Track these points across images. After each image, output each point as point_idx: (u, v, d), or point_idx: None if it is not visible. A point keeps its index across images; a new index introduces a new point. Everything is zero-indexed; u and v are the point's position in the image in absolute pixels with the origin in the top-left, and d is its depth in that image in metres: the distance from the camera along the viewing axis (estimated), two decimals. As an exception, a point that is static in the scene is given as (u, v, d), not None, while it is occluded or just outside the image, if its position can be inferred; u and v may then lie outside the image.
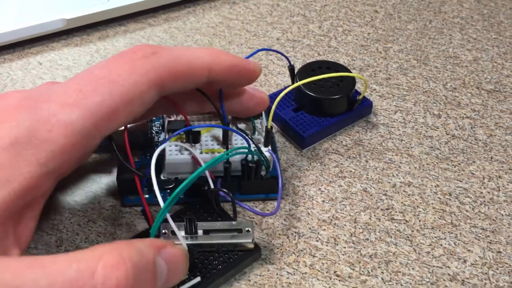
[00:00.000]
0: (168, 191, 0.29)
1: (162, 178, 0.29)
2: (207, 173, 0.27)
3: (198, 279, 0.24)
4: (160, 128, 0.32)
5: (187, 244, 0.24)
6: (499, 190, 0.30)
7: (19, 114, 0.21)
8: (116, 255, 0.19)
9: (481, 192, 0.30)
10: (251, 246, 0.25)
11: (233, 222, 0.26)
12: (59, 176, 0.22)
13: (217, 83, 0.26)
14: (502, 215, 0.29)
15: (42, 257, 0.19)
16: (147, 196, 0.29)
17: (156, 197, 0.23)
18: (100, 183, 0.30)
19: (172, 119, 0.30)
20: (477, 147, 0.33)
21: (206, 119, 0.30)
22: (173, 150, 0.28)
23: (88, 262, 0.19)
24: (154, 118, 0.32)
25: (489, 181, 0.31)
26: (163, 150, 0.29)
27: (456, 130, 0.34)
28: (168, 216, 0.23)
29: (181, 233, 0.24)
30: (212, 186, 0.27)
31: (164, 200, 0.23)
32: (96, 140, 0.22)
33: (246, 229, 0.25)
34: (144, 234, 0.26)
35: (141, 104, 0.23)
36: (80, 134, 0.21)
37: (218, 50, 0.26)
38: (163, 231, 0.25)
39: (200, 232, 0.25)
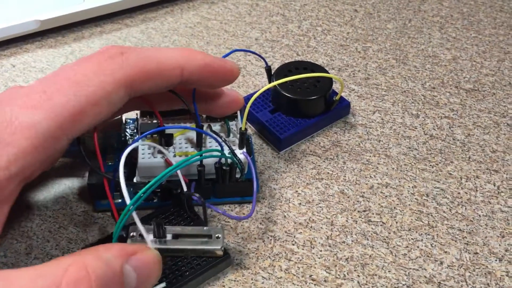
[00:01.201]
0: (142, 195, 0.28)
1: (135, 181, 0.28)
2: (180, 176, 0.26)
3: (163, 284, 0.23)
4: (135, 130, 0.31)
5: (154, 248, 0.23)
6: (476, 190, 0.30)
7: None
8: (81, 268, 0.19)
9: (459, 193, 0.30)
10: (220, 253, 0.25)
11: (204, 228, 0.25)
12: (23, 180, 0.21)
13: (192, 83, 0.25)
14: (479, 215, 0.29)
15: (10, 272, 0.19)
16: (119, 200, 0.28)
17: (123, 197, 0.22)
18: (72, 187, 0.30)
19: (146, 121, 0.29)
20: (455, 147, 0.33)
21: (181, 121, 0.30)
22: (146, 153, 0.28)
23: (53, 277, 0.18)
24: (128, 120, 0.32)
25: (466, 181, 0.31)
26: (136, 153, 0.28)
27: (434, 130, 0.34)
28: (135, 217, 0.22)
29: (149, 237, 0.24)
30: (185, 189, 0.26)
31: (135, 202, 0.22)
32: (62, 142, 0.22)
33: (216, 235, 0.25)
34: (111, 237, 0.25)
35: (108, 104, 0.22)
36: (43, 136, 0.21)
37: (191, 50, 0.25)
38: (132, 233, 0.25)
39: (169, 236, 0.25)
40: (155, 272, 0.22)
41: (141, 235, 0.25)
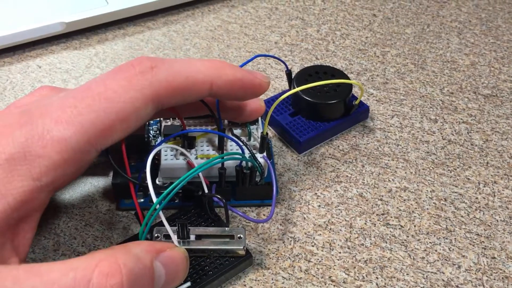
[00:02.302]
0: (167, 196, 0.29)
1: (157, 183, 0.29)
2: (201, 178, 0.27)
3: (188, 284, 0.24)
4: (157, 132, 0.32)
5: None
6: (494, 195, 0.30)
7: (15, 131, 0.21)
8: (112, 262, 0.20)
9: (477, 198, 0.30)
10: (243, 252, 0.25)
11: (226, 228, 0.26)
12: (53, 190, 0.22)
13: (221, 96, 0.26)
14: (497, 220, 0.29)
15: (41, 265, 0.20)
16: (142, 200, 0.29)
17: (150, 198, 0.23)
18: (97, 186, 0.30)
19: (169, 123, 0.30)
20: (473, 152, 0.33)
21: (203, 124, 0.30)
22: (169, 155, 0.29)
23: (84, 270, 0.19)
24: (151, 122, 0.32)
25: (484, 186, 0.31)
26: (159, 155, 0.29)
27: (453, 135, 0.34)
28: (162, 217, 0.23)
29: (175, 237, 0.24)
30: (206, 191, 0.27)
31: (160, 202, 0.23)
32: (91, 155, 0.22)
33: (238, 235, 0.25)
34: (137, 237, 0.26)
35: (136, 119, 0.23)
36: (73, 150, 0.21)
37: (221, 63, 0.25)
38: (156, 235, 0.25)
39: (192, 237, 0.25)
40: (183, 269, 0.22)
41: (165, 236, 0.25)
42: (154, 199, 0.23)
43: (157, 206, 0.23)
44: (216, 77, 0.24)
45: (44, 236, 0.28)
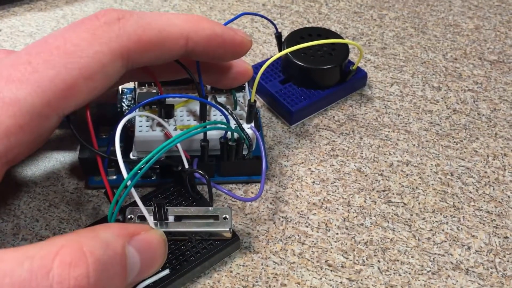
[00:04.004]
0: (138, 171, 0.26)
1: (131, 157, 0.26)
2: (181, 151, 0.24)
3: (166, 271, 0.21)
4: (132, 101, 0.29)
5: None
6: (504, 169, 0.28)
7: None
8: (76, 249, 0.17)
9: (486, 172, 0.28)
10: (229, 235, 0.23)
11: (209, 208, 0.23)
12: (8, 162, 0.19)
13: (198, 55, 0.23)
14: (509, 196, 0.26)
15: None
16: (114, 177, 0.26)
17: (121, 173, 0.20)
18: (63, 162, 0.27)
19: (144, 90, 0.27)
20: (480, 123, 0.30)
21: (182, 91, 0.27)
22: (144, 126, 0.25)
23: (42, 259, 0.16)
24: (125, 90, 0.29)
25: (493, 159, 0.28)
26: (133, 127, 0.25)
27: (458, 104, 0.31)
28: (135, 194, 0.20)
29: (150, 219, 0.21)
30: (186, 166, 0.24)
31: (131, 179, 0.20)
32: (51, 121, 0.19)
33: (224, 216, 0.23)
34: (107, 219, 0.23)
35: (103, 78, 0.20)
36: (29, 114, 0.18)
37: (198, 17, 0.22)
38: (129, 216, 0.22)
39: (171, 218, 0.22)
40: (161, 254, 0.19)
41: (140, 217, 0.22)
42: (125, 174, 0.20)
43: (128, 183, 0.20)
44: (193, 32, 0.21)
45: (1, 218, 0.25)
